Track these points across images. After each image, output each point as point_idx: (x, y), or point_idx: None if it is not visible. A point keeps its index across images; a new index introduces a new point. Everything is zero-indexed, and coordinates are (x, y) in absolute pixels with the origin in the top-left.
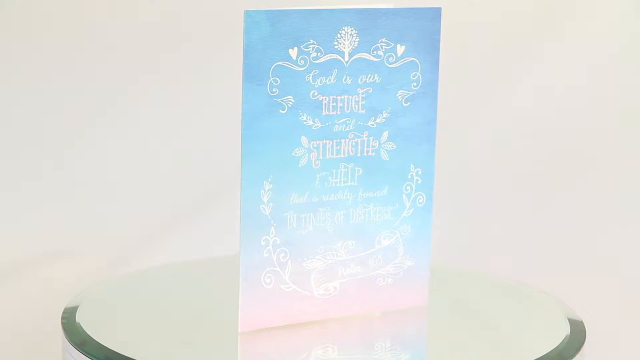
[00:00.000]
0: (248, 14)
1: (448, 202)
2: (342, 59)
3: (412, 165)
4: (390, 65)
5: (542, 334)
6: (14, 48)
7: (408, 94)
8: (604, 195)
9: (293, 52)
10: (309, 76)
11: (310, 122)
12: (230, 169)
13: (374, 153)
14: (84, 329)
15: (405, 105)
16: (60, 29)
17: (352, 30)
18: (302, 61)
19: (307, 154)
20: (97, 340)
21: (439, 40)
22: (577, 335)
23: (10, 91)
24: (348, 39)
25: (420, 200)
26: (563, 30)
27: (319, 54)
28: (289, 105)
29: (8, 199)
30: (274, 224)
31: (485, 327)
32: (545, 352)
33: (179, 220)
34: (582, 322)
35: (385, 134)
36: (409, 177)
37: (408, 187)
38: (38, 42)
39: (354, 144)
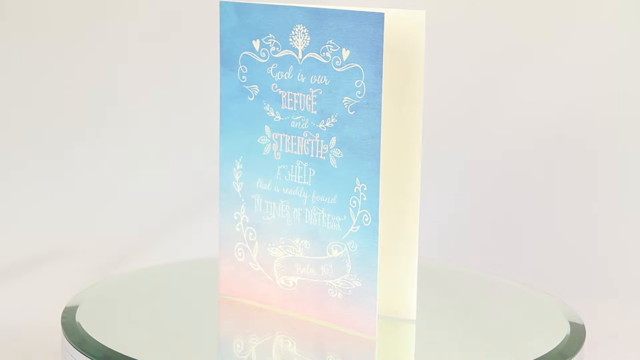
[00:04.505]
0: (222, 4)
1: (448, 202)
2: (296, 56)
3: (357, 179)
4: (336, 69)
5: (542, 334)
6: (14, 48)
7: (353, 102)
8: (604, 195)
9: (256, 44)
10: (270, 69)
11: (272, 114)
12: None
13: (324, 157)
14: (84, 329)
15: (351, 113)
16: (54, 27)
17: (304, 29)
18: (263, 53)
19: (270, 144)
20: (96, 339)
21: (381, 49)
22: (577, 335)
23: (10, 91)
24: (301, 37)
25: (366, 219)
26: (563, 32)
27: (277, 48)
28: (255, 94)
29: (8, 199)
30: (244, 202)
31: (485, 327)
32: (545, 352)
33: (179, 220)
34: (582, 322)
35: (334, 140)
36: (355, 190)
37: (354, 201)
38: (39, 42)
39: (307, 143)
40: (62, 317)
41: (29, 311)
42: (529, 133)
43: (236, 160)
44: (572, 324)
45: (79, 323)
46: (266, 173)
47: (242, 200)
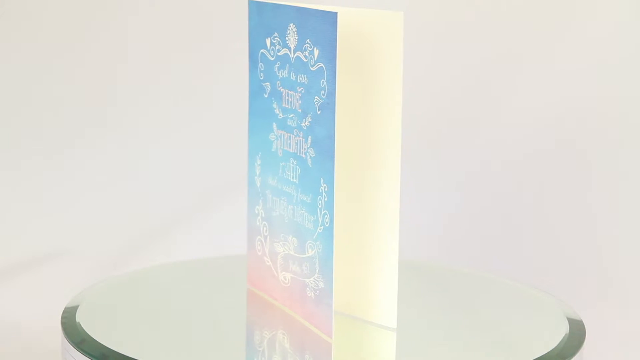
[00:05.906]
0: (250, 3)
1: (448, 201)
2: (290, 55)
3: (322, 179)
4: (311, 69)
5: (542, 333)
6: (14, 48)
7: (320, 101)
8: (603, 195)
9: (267, 42)
10: (276, 67)
11: (277, 111)
12: (231, 169)
13: (305, 156)
14: (84, 329)
15: (319, 113)
16: (57, 27)
17: (294, 28)
18: (272, 51)
19: (276, 141)
20: (96, 339)
21: (335, 48)
22: (576, 335)
23: (10, 91)
24: (292, 36)
25: (327, 220)
26: (564, 32)
27: (280, 47)
28: (268, 92)
29: (8, 199)
30: (262, 197)
31: (485, 327)
32: (545, 352)
33: (179, 220)
34: (581, 321)
35: (310, 139)
36: (320, 190)
37: (320, 202)
38: (39, 42)
39: (296, 141)
40: (62, 317)
41: (29, 311)
42: (529, 133)
43: (257, 156)
44: (571, 324)
45: (79, 323)
46: (273, 169)
47: (260, 195)
